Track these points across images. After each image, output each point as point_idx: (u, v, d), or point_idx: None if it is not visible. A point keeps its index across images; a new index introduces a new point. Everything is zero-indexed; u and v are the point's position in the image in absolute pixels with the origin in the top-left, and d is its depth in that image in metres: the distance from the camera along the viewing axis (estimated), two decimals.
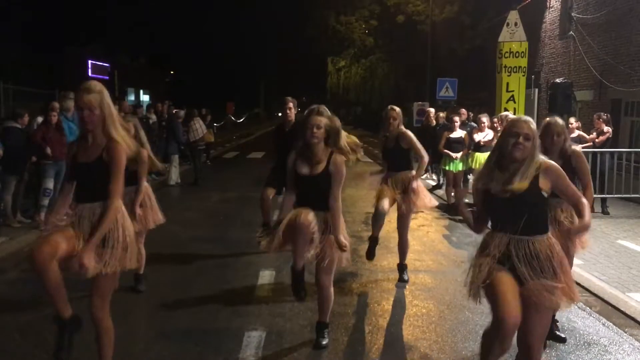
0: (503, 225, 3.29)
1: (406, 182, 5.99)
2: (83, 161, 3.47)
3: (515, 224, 3.22)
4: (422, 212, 10.44)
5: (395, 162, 6.09)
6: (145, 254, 5.46)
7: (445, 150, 10.48)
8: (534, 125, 3.26)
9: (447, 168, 10.60)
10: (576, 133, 10.29)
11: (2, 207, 8.09)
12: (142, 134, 5.30)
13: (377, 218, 6.10)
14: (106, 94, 3.45)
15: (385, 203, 5.96)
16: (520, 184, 3.19)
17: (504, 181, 3.24)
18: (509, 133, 3.22)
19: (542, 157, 3.29)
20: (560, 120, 4.22)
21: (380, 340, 4.73)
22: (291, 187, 4.37)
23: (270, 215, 6.96)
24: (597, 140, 10.47)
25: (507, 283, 3.20)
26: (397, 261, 6.35)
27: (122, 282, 5.11)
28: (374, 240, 6.21)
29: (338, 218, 4.26)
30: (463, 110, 12.27)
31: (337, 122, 4.28)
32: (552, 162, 3.31)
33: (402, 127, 6.07)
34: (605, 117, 10.68)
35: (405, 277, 6.23)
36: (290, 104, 6.86)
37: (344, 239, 4.26)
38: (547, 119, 4.28)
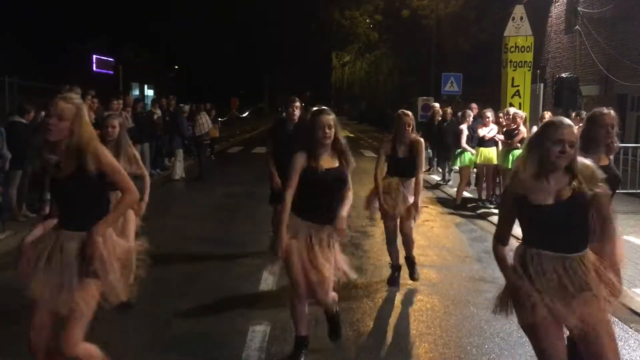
0: (552, 242, 2.94)
1: (410, 187, 5.76)
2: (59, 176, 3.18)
3: (568, 241, 2.93)
4: (427, 207, 10.45)
5: (404, 170, 5.76)
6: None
7: (468, 147, 10.31)
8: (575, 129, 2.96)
9: (465, 164, 10.43)
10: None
11: (7, 201, 8.11)
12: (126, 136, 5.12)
13: (391, 242, 5.91)
14: (84, 112, 3.20)
15: (394, 224, 5.80)
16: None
17: (554, 188, 2.91)
18: (552, 140, 2.87)
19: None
20: (612, 111, 3.94)
21: (384, 335, 4.72)
22: (293, 188, 4.00)
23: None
24: None
25: (559, 336, 2.96)
26: (402, 256, 6.30)
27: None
28: (396, 268, 5.96)
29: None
30: (474, 105, 12.11)
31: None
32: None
33: (415, 134, 5.81)
34: (583, 113, 10.73)
35: (416, 276, 5.93)
36: (298, 103, 6.60)
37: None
38: (598, 109, 4.00)
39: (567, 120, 2.98)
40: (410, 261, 5.99)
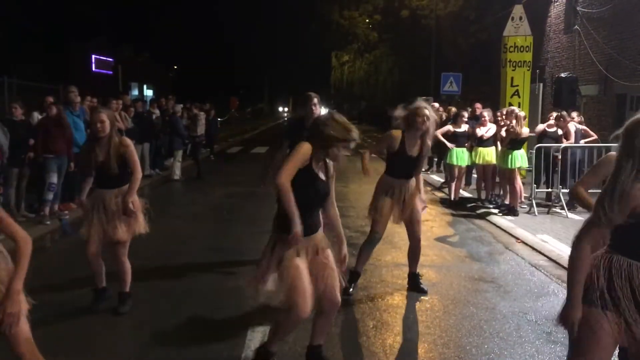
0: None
1: (412, 188, 5.50)
2: None
3: None
4: (427, 206, 10.46)
5: (411, 169, 5.45)
6: (130, 268, 5.08)
7: (444, 139, 10.37)
8: None
9: (454, 163, 10.48)
10: (575, 126, 10.21)
11: (6, 202, 8.09)
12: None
13: (371, 245, 5.61)
14: None
15: (383, 227, 5.53)
16: None
17: None
18: None
19: None
20: None
21: (384, 335, 4.72)
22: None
23: None
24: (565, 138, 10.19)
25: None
26: (402, 256, 6.28)
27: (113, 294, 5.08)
28: (355, 275, 5.60)
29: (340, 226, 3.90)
30: (478, 105, 12.02)
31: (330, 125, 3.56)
32: None
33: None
34: (575, 114, 10.73)
35: (424, 287, 5.65)
36: (315, 100, 6.02)
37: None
38: None
39: None
40: (415, 276, 5.73)
